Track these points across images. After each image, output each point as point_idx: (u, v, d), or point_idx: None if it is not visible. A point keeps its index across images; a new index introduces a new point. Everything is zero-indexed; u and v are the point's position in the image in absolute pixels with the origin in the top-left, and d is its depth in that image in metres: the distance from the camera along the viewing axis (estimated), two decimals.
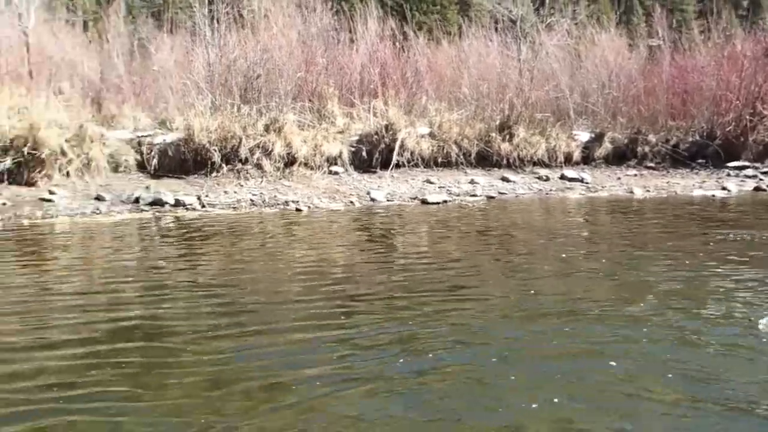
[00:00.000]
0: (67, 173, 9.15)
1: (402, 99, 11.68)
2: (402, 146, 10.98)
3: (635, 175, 12.53)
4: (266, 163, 10.01)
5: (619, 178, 12.20)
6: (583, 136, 13.05)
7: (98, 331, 4.07)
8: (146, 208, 8.59)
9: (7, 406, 3.04)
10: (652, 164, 13.07)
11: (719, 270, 5.49)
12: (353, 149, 10.97)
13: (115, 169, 9.67)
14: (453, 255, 6.55)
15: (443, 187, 10.53)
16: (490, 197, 10.20)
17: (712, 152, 13.33)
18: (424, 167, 11.25)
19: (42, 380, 3.32)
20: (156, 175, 9.75)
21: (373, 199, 9.60)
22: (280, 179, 10.04)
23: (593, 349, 3.76)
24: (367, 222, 8.28)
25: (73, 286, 5.19)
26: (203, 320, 4.36)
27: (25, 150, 8.83)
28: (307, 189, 9.82)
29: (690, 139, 13.55)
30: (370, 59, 12.69)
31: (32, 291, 5.00)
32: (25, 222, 7.68)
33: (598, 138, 13.00)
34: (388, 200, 9.68)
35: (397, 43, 13.65)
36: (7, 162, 8.81)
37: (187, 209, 8.62)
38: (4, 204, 8.19)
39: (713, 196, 10.71)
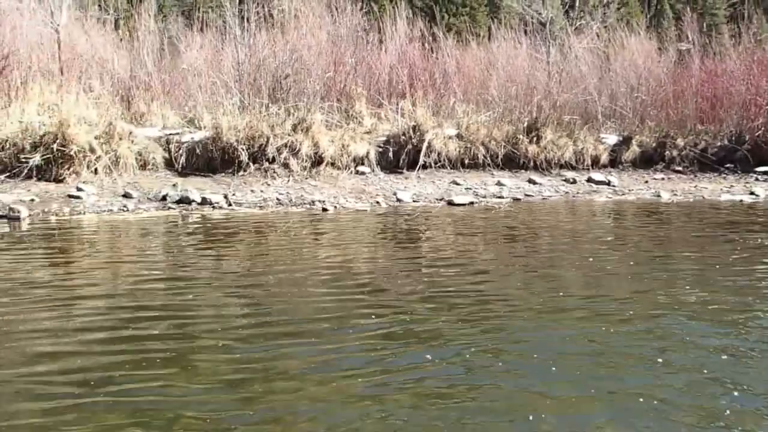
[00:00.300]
0: (95, 170, 9.24)
1: (430, 100, 11.64)
2: (429, 147, 10.94)
3: (663, 178, 12.36)
4: (293, 163, 10.04)
5: (646, 182, 12.04)
6: (611, 139, 12.91)
7: (123, 321, 4.11)
8: (173, 206, 8.66)
9: (44, 386, 3.08)
10: (679, 168, 12.88)
11: (744, 275, 5.38)
12: (380, 150, 10.96)
13: (143, 166, 9.76)
14: (479, 257, 6.50)
15: (470, 189, 10.47)
16: (516, 199, 10.12)
17: (740, 157, 13.11)
18: (451, 168, 11.20)
19: (70, 363, 3.38)
20: (183, 173, 9.83)
21: (399, 200, 9.58)
22: (306, 179, 10.06)
23: (616, 350, 3.70)
24: (393, 223, 8.26)
25: (100, 280, 5.25)
26: (228, 315, 4.39)
27: (54, 146, 8.94)
28: (333, 189, 9.83)
29: (718, 144, 13.33)
30: (398, 60, 12.67)
31: (57, 285, 5.06)
32: (53, 218, 7.78)
33: (626, 141, 12.84)
34: (414, 201, 9.65)
35: (426, 45, 13.62)
36: (37, 158, 8.93)
37: (213, 207, 8.68)
38: (32, 200, 8.31)
39: (741, 200, 10.52)
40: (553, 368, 3.50)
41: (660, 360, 3.61)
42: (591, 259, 6.15)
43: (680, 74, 14.67)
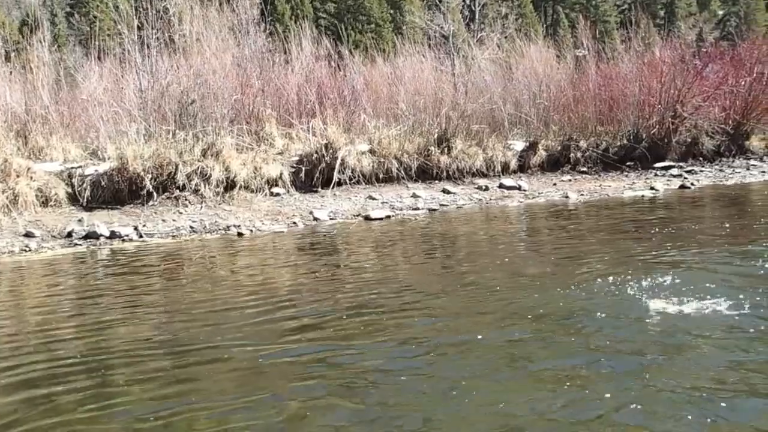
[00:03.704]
0: None
1: (340, 117, 11.71)
2: (343, 164, 10.99)
3: (569, 180, 12.92)
4: (205, 189, 9.83)
5: (554, 184, 12.55)
6: (518, 145, 13.39)
7: (31, 365, 3.90)
8: (80, 242, 8.29)
9: None
10: (584, 169, 13.51)
11: (644, 259, 5.71)
12: (294, 170, 10.91)
13: (45, 203, 9.30)
14: (398, 270, 6.58)
15: (386, 203, 10.58)
16: (432, 210, 10.31)
17: (639, 155, 13.92)
18: (366, 184, 11.28)
19: None
20: (89, 207, 9.43)
21: (316, 219, 9.56)
22: (220, 204, 9.88)
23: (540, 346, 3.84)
24: (310, 242, 8.24)
25: (2, 325, 4.95)
26: (142, 353, 4.23)
27: None
28: (248, 212, 9.70)
29: (618, 143, 14.11)
30: (306, 79, 12.70)
31: None
32: None
33: (533, 146, 13.36)
34: (331, 219, 9.65)
35: (333, 63, 13.72)
36: None
37: (123, 240, 8.37)
38: None
39: (642, 196, 11.19)
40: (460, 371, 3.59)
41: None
42: (506, 261, 6.37)
43: (578, 79, 15.44)
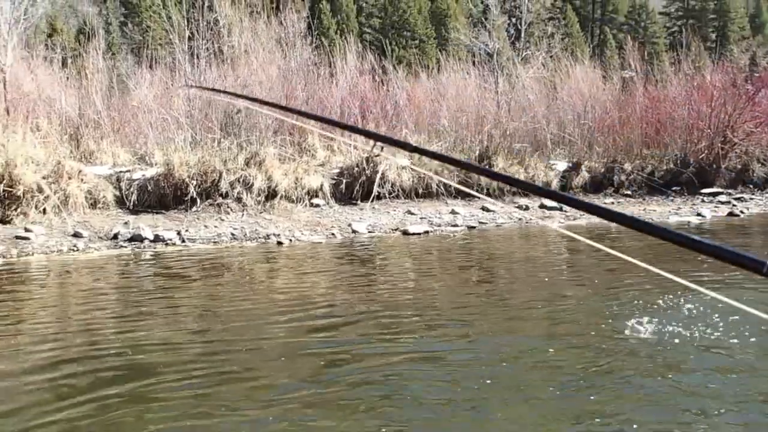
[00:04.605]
0: (44, 210, 9.02)
1: (382, 131, 11.77)
2: (383, 178, 11.03)
3: (612, 203, 12.70)
4: (247, 197, 9.98)
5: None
6: (561, 165, 13.25)
7: (75, 362, 4.00)
8: (125, 244, 8.49)
9: None
10: (628, 192, 13.28)
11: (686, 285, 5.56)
12: (334, 181, 11.00)
13: (94, 205, 9.57)
14: (433, 284, 6.55)
15: (424, 218, 10.56)
16: (471, 227, 10.25)
17: (686, 179, 13.61)
18: (405, 198, 11.30)
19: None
20: (135, 210, 9.67)
21: (354, 231, 9.60)
22: (260, 213, 10.01)
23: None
24: (348, 254, 8.27)
25: (49, 323, 5.10)
26: (180, 352, 4.32)
27: (1, 187, 8.71)
28: (288, 222, 9.80)
29: (665, 167, 13.83)
30: (350, 93, 12.83)
31: (4, 327, 4.90)
32: (0, 260, 7.54)
33: (575, 167, 13.20)
34: (369, 232, 9.68)
35: (377, 77, 13.83)
36: None
37: (167, 244, 8.54)
38: None
39: (688, 222, 10.90)
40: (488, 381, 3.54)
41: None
42: (546, 281, 6.28)
43: (625, 101, 15.23)
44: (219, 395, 3.62)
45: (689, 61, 16.37)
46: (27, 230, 8.50)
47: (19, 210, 8.83)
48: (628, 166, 13.52)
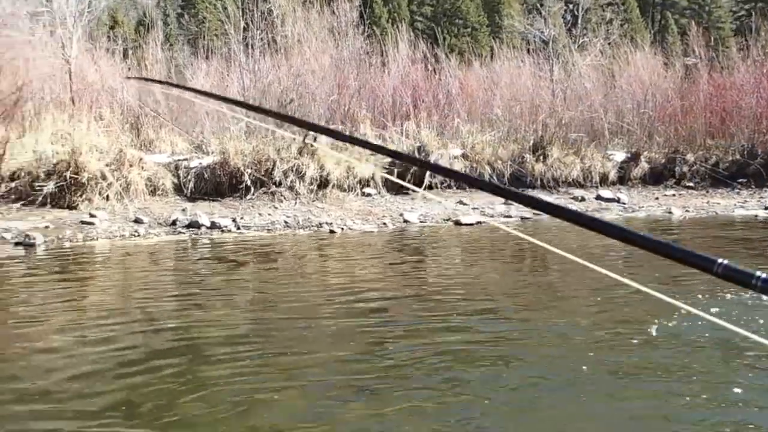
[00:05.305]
0: (107, 197, 9.33)
1: (434, 121, 11.71)
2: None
3: (673, 195, 12.29)
4: (300, 186, 10.09)
5: (656, 198, 11.97)
6: (619, 156, 12.88)
7: (137, 344, 4.13)
8: (183, 230, 8.71)
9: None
10: (690, 184, 12.81)
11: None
12: (385, 171, 10.99)
13: (153, 192, 9.84)
14: (484, 276, 6.48)
15: (476, 209, 10.46)
16: (524, 218, 10.09)
17: (753, 171, 13.02)
18: (457, 189, 11.20)
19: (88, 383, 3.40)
20: (192, 197, 9.90)
21: (406, 221, 9.58)
22: (313, 201, 10.10)
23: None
24: (400, 243, 8.26)
25: (115, 304, 5.28)
26: (234, 330, 4.44)
27: (67, 174, 9.05)
28: (340, 211, 9.86)
29: (730, 158, 13.27)
30: (402, 82, 12.78)
31: (71, 309, 5.10)
32: (67, 244, 7.84)
33: (634, 158, 12.81)
34: (421, 222, 9.65)
35: (429, 66, 13.72)
36: (50, 186, 9.03)
37: (222, 231, 8.72)
38: (47, 227, 8.38)
39: (756, 215, 10.44)
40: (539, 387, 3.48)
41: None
42: (599, 278, 6.12)
43: (688, 89, 14.66)
44: (272, 369, 3.76)
45: (759, 46, 15.58)
46: (91, 216, 8.82)
47: (84, 196, 9.16)
48: (690, 157, 13.04)
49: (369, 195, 10.63)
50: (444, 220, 9.79)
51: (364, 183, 10.70)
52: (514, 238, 8.58)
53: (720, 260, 1.07)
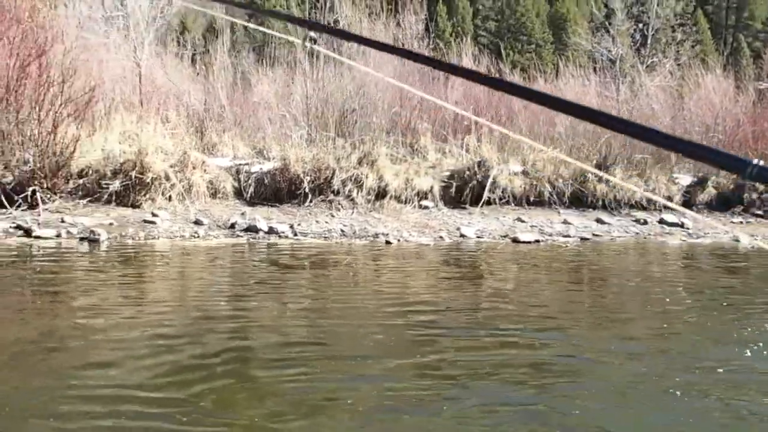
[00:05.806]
0: (170, 197, 9.56)
1: (495, 136, 11.55)
2: (494, 183, 10.82)
3: (741, 222, 11.77)
4: (357, 195, 10.11)
5: (723, 225, 11.49)
6: (685, 179, 12.44)
7: (189, 334, 4.18)
8: (241, 233, 8.83)
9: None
10: (760, 212, 12.25)
11: None
12: (444, 184, 10.91)
13: (214, 195, 10.03)
14: (541, 292, 6.33)
15: (535, 227, 10.25)
16: (583, 239, 9.83)
17: None
18: (516, 205, 11.01)
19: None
20: (251, 202, 10.04)
21: (462, 236, 9.46)
22: (370, 211, 10.10)
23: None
24: (456, 258, 8.16)
25: (168, 298, 5.38)
26: (286, 332, 4.46)
27: (133, 174, 9.32)
28: (396, 222, 9.82)
29: None
30: (464, 96, 12.69)
31: (130, 300, 5.21)
32: (130, 242, 8.06)
33: (701, 182, 12.35)
34: (477, 237, 9.51)
35: None
36: (116, 184, 9.32)
37: (279, 237, 8.80)
38: (111, 224, 8.64)
39: None
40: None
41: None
42: (660, 304, 5.88)
43: (761, 114, 14.08)
44: (325, 375, 3.78)
45: None
46: (154, 215, 9.04)
47: (147, 196, 9.41)
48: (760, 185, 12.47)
49: (426, 207, 10.56)
50: (501, 236, 9.62)
51: (422, 195, 10.64)
52: (571, 258, 8.37)
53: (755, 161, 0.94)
